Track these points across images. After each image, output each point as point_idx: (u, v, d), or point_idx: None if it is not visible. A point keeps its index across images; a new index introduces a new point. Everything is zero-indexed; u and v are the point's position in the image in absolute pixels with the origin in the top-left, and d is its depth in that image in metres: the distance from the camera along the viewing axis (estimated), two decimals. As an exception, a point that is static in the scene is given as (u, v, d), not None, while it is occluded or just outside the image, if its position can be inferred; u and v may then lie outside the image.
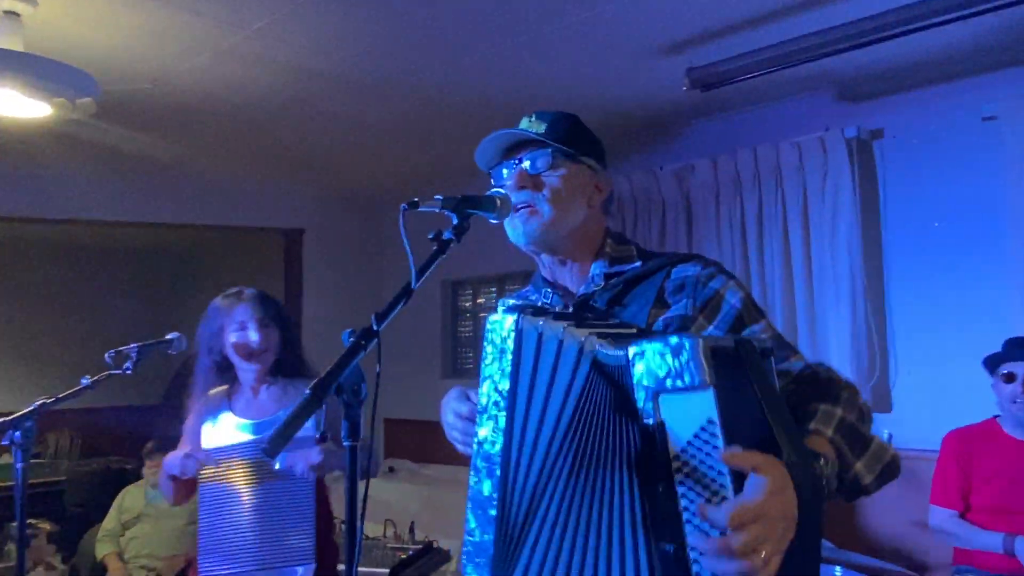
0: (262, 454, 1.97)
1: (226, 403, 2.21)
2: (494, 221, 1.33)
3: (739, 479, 0.89)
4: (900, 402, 3.40)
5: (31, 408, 1.82)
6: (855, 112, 3.53)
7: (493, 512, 1.11)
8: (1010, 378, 2.65)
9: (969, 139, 3.23)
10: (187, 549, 3.97)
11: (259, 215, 5.39)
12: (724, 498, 0.90)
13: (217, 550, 2.03)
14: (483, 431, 1.16)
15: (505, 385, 1.14)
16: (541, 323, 1.12)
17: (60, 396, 1.90)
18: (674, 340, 0.95)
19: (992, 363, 2.73)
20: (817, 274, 3.51)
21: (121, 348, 2.05)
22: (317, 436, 1.02)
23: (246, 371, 2.19)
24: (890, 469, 1.11)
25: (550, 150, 1.32)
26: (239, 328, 2.14)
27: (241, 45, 2.94)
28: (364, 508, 1.09)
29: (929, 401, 3.29)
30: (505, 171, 1.36)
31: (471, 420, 1.23)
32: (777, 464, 0.91)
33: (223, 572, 2.03)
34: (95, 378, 1.98)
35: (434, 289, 5.56)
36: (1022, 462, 2.64)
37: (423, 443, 5.01)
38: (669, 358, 0.95)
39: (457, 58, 3.15)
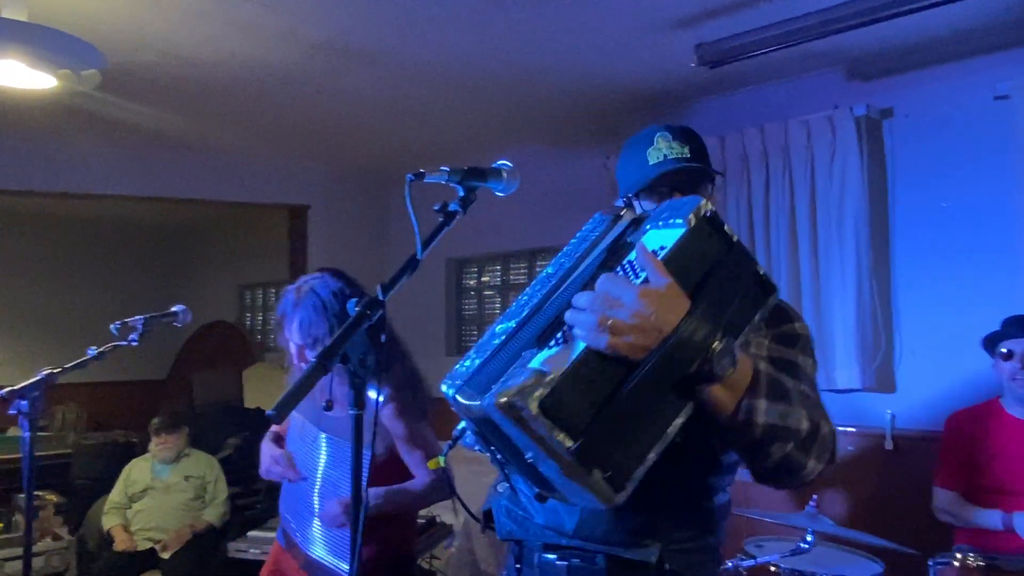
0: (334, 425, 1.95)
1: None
2: (500, 193, 1.32)
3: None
4: (904, 382, 3.39)
5: (38, 378, 1.83)
6: (865, 90, 3.50)
7: (496, 341, 1.12)
8: (1008, 356, 2.66)
9: (981, 118, 3.19)
10: (192, 522, 4.02)
11: (264, 191, 5.38)
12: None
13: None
14: (525, 294, 1.22)
15: (567, 262, 1.24)
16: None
17: (67, 367, 1.91)
18: (690, 197, 1.15)
19: (991, 342, 2.74)
20: (823, 253, 3.49)
21: (127, 320, 2.05)
22: (324, 403, 1.02)
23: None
24: (789, 433, 1.05)
25: (710, 181, 1.39)
26: None
27: (248, 16, 2.92)
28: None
29: (933, 381, 3.29)
30: (647, 200, 1.38)
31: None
32: (681, 294, 0.99)
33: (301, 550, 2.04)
34: (101, 349, 1.99)
35: (438, 267, 5.56)
36: (1022, 441, 2.65)
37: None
38: (676, 206, 1.12)
39: (463, 34, 3.12)
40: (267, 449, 2.10)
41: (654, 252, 1.02)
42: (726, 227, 1.08)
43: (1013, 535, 2.51)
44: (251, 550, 3.20)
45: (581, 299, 0.98)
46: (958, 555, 2.27)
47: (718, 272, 1.03)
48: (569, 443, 0.90)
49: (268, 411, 0.97)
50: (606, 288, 0.98)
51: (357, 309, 1.05)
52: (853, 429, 3.48)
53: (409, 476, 2.02)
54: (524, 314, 1.13)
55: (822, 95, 3.56)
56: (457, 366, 1.15)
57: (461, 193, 1.23)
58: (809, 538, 2.49)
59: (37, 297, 6.97)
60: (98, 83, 2.67)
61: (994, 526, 2.57)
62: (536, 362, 0.97)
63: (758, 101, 3.82)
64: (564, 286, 1.15)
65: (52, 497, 4.63)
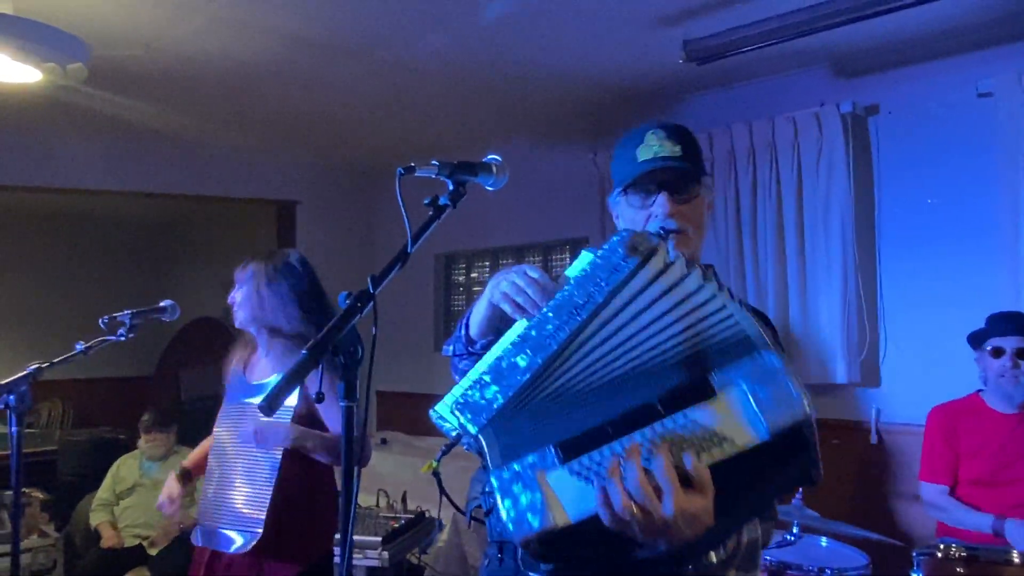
0: (238, 417, 2.11)
1: (241, 366, 2.35)
2: (490, 188, 1.33)
3: (686, 481, 0.90)
4: (888, 377, 3.43)
5: (26, 372, 1.82)
6: (851, 87, 3.53)
7: (520, 379, 1.04)
8: (998, 352, 2.67)
9: (964, 116, 3.23)
10: (180, 519, 4.00)
11: (253, 186, 5.37)
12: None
13: (201, 501, 2.25)
14: (550, 319, 1.08)
15: (598, 295, 1.06)
16: (672, 256, 1.08)
17: (55, 361, 1.91)
18: (797, 392, 0.92)
19: (977, 338, 2.76)
20: (810, 248, 3.52)
21: (115, 315, 2.05)
22: (314, 395, 1.03)
23: (254, 332, 2.29)
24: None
25: (696, 181, 1.35)
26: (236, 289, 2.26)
27: (235, 10, 2.90)
28: (359, 464, 1.09)
29: (917, 376, 3.33)
30: (638, 198, 1.35)
31: (535, 280, 1.13)
32: (708, 512, 0.91)
33: (199, 521, 2.23)
34: (89, 344, 1.99)
35: (427, 263, 5.56)
36: (1007, 435, 2.68)
37: (416, 416, 5.03)
38: (776, 391, 0.93)
39: (452, 29, 3.12)
40: (171, 485, 2.31)
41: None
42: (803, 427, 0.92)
43: (999, 539, 2.50)
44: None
45: (628, 468, 0.91)
46: (941, 546, 2.30)
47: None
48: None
49: (259, 404, 0.97)
50: (658, 474, 0.90)
51: (348, 301, 1.06)
52: (838, 422, 3.52)
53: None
54: (552, 350, 1.04)
55: (809, 92, 3.59)
56: (469, 389, 1.07)
57: (451, 187, 1.23)
58: (795, 530, 2.51)
59: (21, 293, 6.91)
60: (84, 77, 2.65)
61: (984, 530, 2.57)
62: (555, 484, 0.95)
63: (746, 98, 3.84)
64: (593, 338, 1.04)
65: (38, 494, 4.60)
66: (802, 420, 0.89)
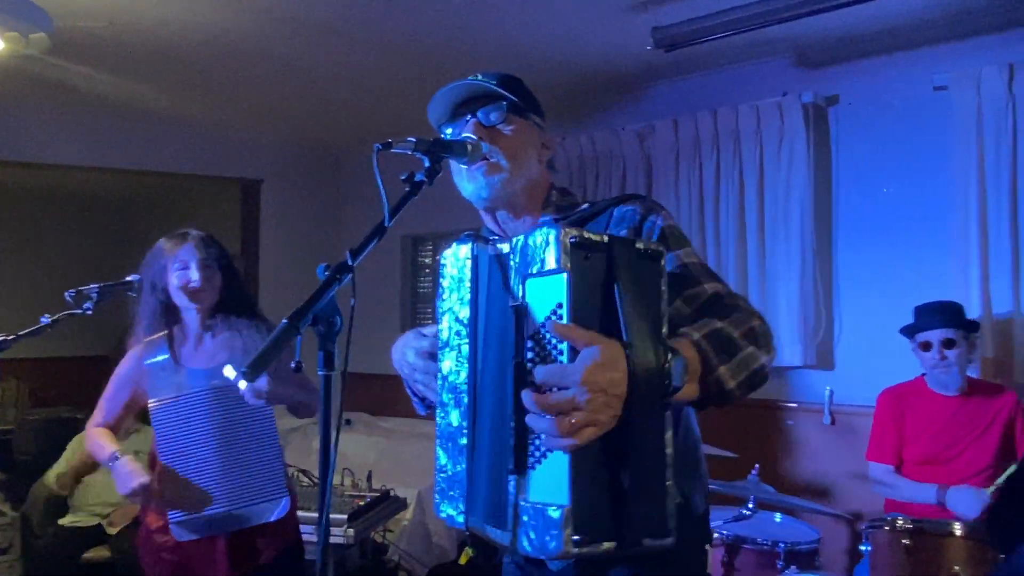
0: (226, 386, 2.02)
1: (167, 350, 2.18)
2: (464, 166, 1.36)
3: (576, 355, 0.94)
4: (842, 360, 3.54)
5: (-10, 345, 1.80)
6: (812, 78, 3.61)
7: (463, 441, 1.12)
8: (926, 346, 2.77)
9: (920, 108, 3.33)
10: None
11: (217, 164, 5.29)
12: (550, 359, 0.97)
13: (184, 497, 2.05)
14: (447, 363, 1.17)
15: (465, 313, 1.15)
16: (494, 247, 1.13)
17: (20, 333, 1.89)
18: (542, 231, 0.99)
19: (909, 332, 2.86)
20: (770, 235, 3.61)
21: (81, 288, 2.03)
22: (293, 365, 1.05)
23: (189, 312, 2.16)
24: (756, 377, 1.11)
25: (504, 104, 1.35)
26: (181, 267, 2.11)
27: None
28: (337, 438, 1.12)
29: (870, 360, 3.44)
30: (449, 130, 1.39)
31: (432, 357, 1.24)
32: (613, 344, 0.95)
33: (194, 516, 2.04)
34: (55, 317, 1.96)
35: (394, 244, 5.55)
36: (950, 416, 2.80)
37: (381, 396, 5.04)
38: (536, 245, 1.00)
39: (421, 9, 3.12)
40: (137, 474, 2.01)
41: (555, 312, 0.97)
42: (590, 235, 0.99)
43: (944, 509, 2.60)
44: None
45: (531, 403, 0.95)
46: (887, 518, 2.40)
47: (619, 287, 0.98)
48: (610, 545, 0.94)
49: (239, 371, 0.98)
50: (547, 379, 0.95)
51: (327, 273, 1.08)
52: (794, 404, 3.63)
53: None
54: (466, 403, 1.12)
55: (772, 81, 3.67)
56: (437, 470, 1.18)
57: (427, 164, 1.24)
58: (751, 505, 2.60)
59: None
60: (47, 47, 2.60)
61: (928, 500, 2.67)
62: (536, 495, 0.98)
63: (711, 86, 3.91)
64: (483, 367, 1.11)
65: (-6, 474, 4.53)
66: (557, 240, 0.97)
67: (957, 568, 2.21)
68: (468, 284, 1.15)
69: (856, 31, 3.32)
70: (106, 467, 2.06)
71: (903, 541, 2.30)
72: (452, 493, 1.15)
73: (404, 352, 1.34)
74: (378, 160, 1.16)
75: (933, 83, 3.25)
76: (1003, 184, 3.06)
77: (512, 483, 1.01)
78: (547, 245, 0.98)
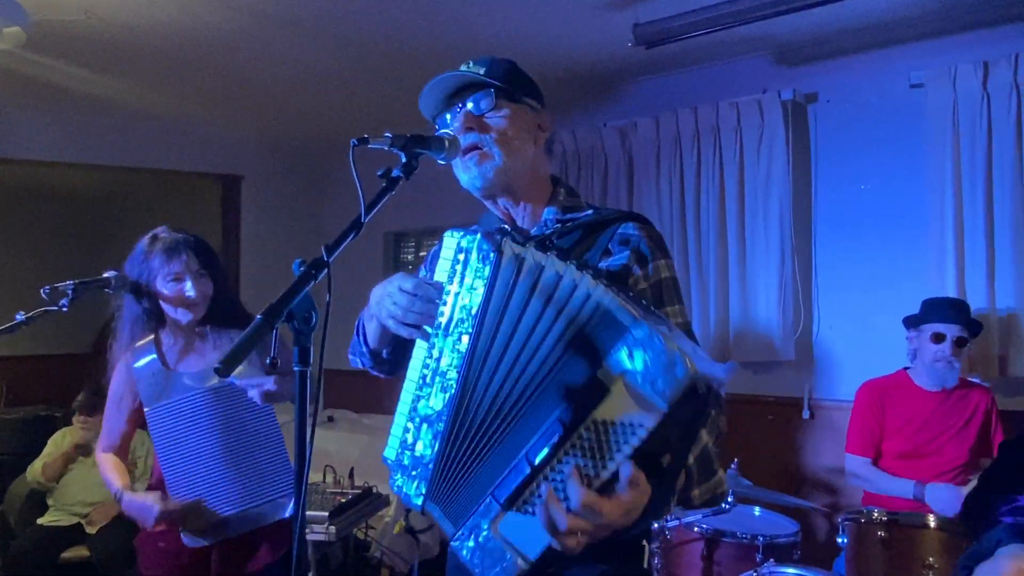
0: (222, 386, 2.00)
1: (156, 356, 2.14)
2: (442, 161, 1.35)
3: (614, 480, 0.96)
4: (821, 355, 3.58)
5: (-36, 342, 1.77)
6: (792, 75, 3.64)
7: (440, 427, 1.13)
8: (939, 338, 2.76)
9: (897, 105, 3.37)
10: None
11: (197, 159, 5.25)
12: (600, 479, 0.97)
13: (195, 503, 2.03)
14: (442, 347, 1.16)
15: (475, 304, 1.12)
16: (521, 249, 1.10)
17: (-4, 331, 1.86)
18: (674, 355, 0.92)
19: (915, 321, 2.86)
20: (750, 231, 3.64)
21: (57, 284, 2.00)
22: (268, 362, 1.04)
23: (178, 318, 2.13)
24: (714, 499, 1.20)
25: (492, 91, 1.35)
26: (175, 280, 2.08)
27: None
28: (313, 433, 1.12)
29: (848, 355, 3.48)
30: (448, 116, 1.38)
31: (415, 295, 1.22)
32: (645, 493, 0.98)
33: (208, 520, 2.03)
34: (30, 314, 1.94)
35: (376, 241, 5.53)
36: (930, 411, 2.83)
37: (364, 393, 5.04)
38: (656, 361, 0.93)
39: (400, 6, 3.11)
40: (148, 507, 2.01)
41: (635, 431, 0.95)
42: (702, 388, 0.94)
43: (920, 504, 2.64)
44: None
45: (577, 502, 0.96)
46: (864, 511, 2.43)
47: (688, 436, 1.05)
48: None
49: (216, 365, 0.97)
50: (585, 503, 0.96)
51: (302, 268, 1.08)
52: (773, 398, 3.66)
53: None
54: (453, 395, 1.12)
55: (752, 79, 3.70)
56: (400, 447, 1.18)
57: (403, 160, 1.23)
58: (730, 499, 2.61)
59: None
60: (22, 41, 2.57)
61: (905, 495, 2.71)
62: (508, 532, 1.03)
63: (692, 83, 3.93)
64: (487, 364, 1.10)
65: (-31, 473, 4.47)
66: (688, 379, 0.91)
67: (931, 559, 2.24)
68: (486, 276, 1.12)
69: (834, 29, 3.35)
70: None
71: (879, 533, 2.33)
72: (414, 472, 1.16)
73: (385, 287, 1.32)
74: (357, 156, 1.15)
75: (910, 80, 3.29)
76: (978, 180, 3.10)
77: (491, 506, 1.03)
78: (670, 371, 0.93)
